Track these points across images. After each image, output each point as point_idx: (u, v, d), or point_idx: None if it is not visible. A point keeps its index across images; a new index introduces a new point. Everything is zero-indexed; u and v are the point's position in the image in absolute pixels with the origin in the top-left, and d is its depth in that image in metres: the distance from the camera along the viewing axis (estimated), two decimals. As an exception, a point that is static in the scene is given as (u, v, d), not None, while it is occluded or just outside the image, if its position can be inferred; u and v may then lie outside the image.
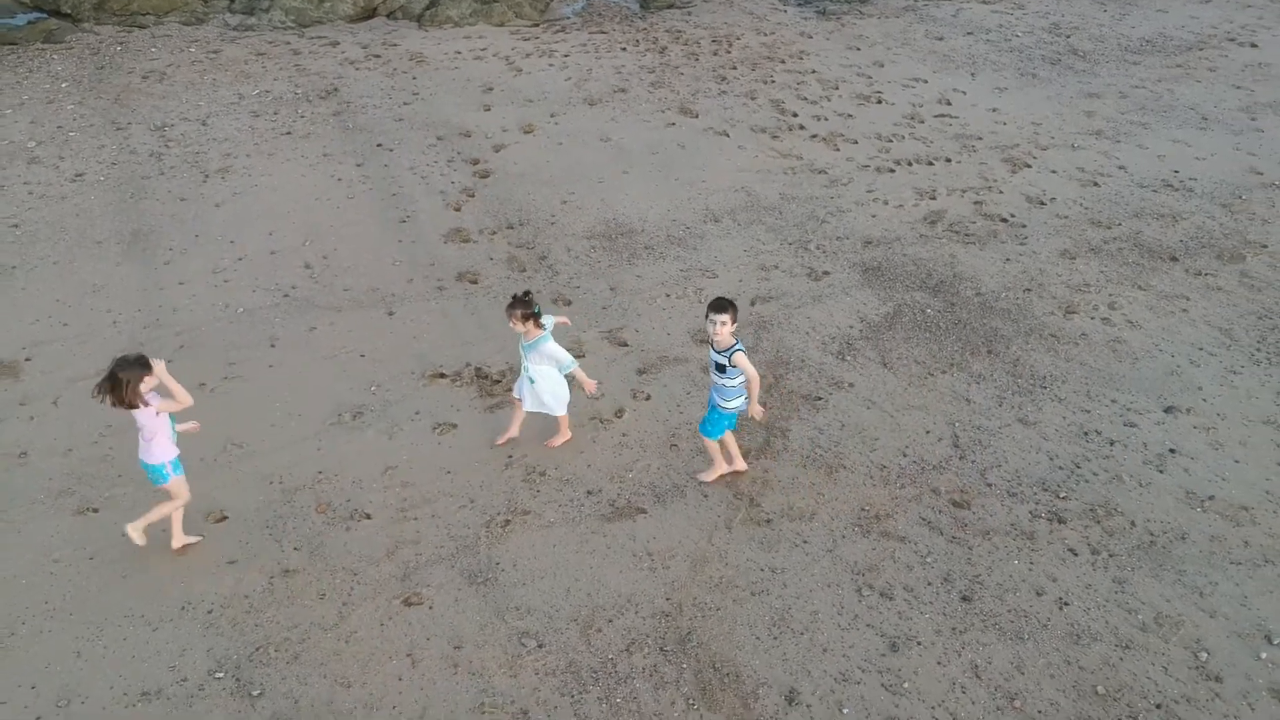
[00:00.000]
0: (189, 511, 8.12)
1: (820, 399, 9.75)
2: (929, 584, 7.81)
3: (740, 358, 7.95)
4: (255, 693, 6.87)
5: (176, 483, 7.71)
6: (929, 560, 8.02)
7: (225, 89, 15.92)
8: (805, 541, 8.16)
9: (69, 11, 17.59)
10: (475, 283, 11.43)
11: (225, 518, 8.29)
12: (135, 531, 7.80)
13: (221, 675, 6.99)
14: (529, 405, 8.88)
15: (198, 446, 8.96)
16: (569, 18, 19.74)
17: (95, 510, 8.37)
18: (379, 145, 14.32)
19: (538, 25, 19.33)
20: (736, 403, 8.31)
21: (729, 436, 8.66)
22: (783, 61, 17.83)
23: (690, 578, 7.81)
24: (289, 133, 14.61)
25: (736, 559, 7.98)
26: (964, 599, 7.68)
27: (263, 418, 9.38)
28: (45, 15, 17.48)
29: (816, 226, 12.70)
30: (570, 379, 8.81)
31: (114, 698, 6.85)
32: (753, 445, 9.14)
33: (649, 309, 11.02)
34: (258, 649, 7.18)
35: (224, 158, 13.90)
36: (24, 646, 7.20)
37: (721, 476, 8.77)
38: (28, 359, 10.13)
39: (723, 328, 7.86)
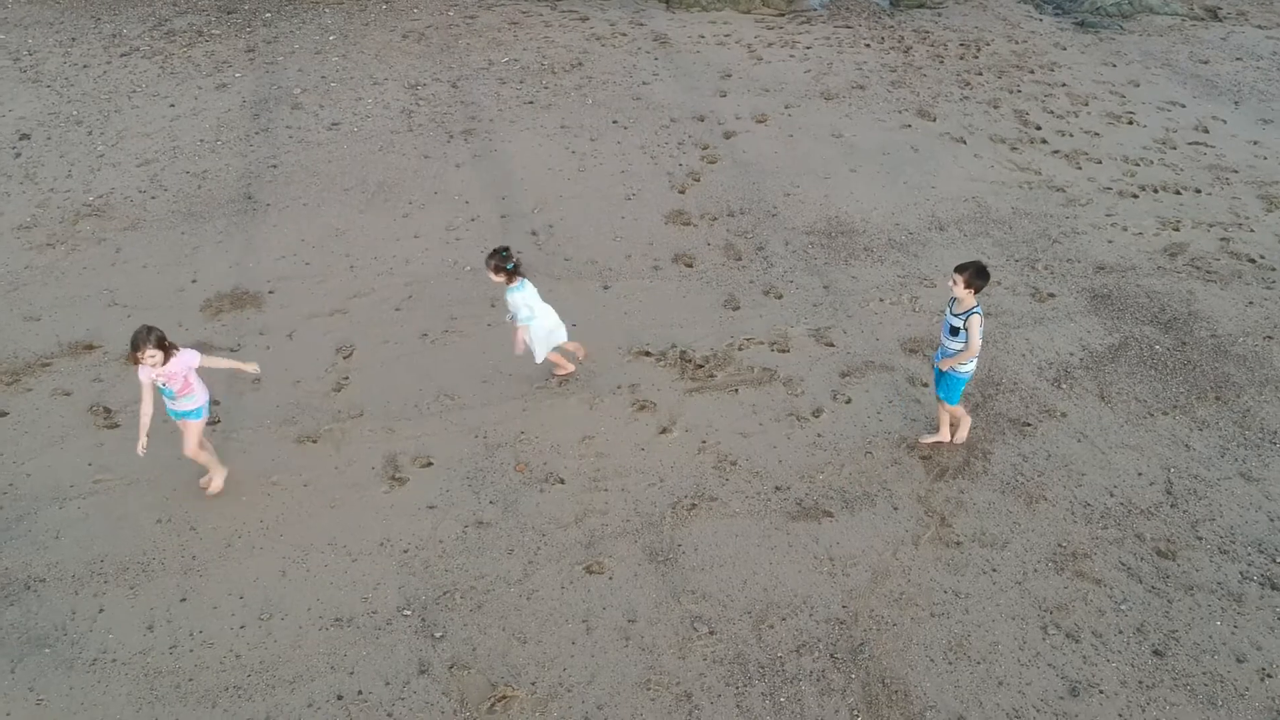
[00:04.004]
0: (400, 455, 8.61)
1: (1029, 425, 9.44)
2: (1120, 632, 7.48)
3: (974, 321, 8.34)
4: (438, 634, 7.24)
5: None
6: (1123, 608, 7.68)
7: (477, 54, 16.58)
8: (994, 570, 7.95)
9: (344, -31, 18.68)
10: (690, 266, 11.57)
11: (430, 464, 8.73)
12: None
13: (409, 613, 7.39)
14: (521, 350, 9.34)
15: (413, 393, 9.47)
16: (816, 9, 19.58)
17: (314, 441, 8.95)
18: (614, 122, 14.63)
19: (783, 15, 19.27)
20: (969, 366, 8.58)
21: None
22: (1032, 71, 17.19)
23: (870, 589, 7.74)
24: (531, 102, 15.10)
25: (920, 577, 7.85)
26: (1156, 653, 7.33)
27: (475, 373, 9.79)
28: (322, -29, 18.58)
29: (1047, 246, 12.24)
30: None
31: (310, 619, 7.35)
32: (950, 464, 8.94)
33: (861, 312, 10.89)
34: (445, 593, 7.55)
35: (468, 120, 14.49)
36: (238, 559, 7.82)
37: (938, 444, 9.14)
38: (270, 292, 10.89)
39: (954, 287, 8.33)
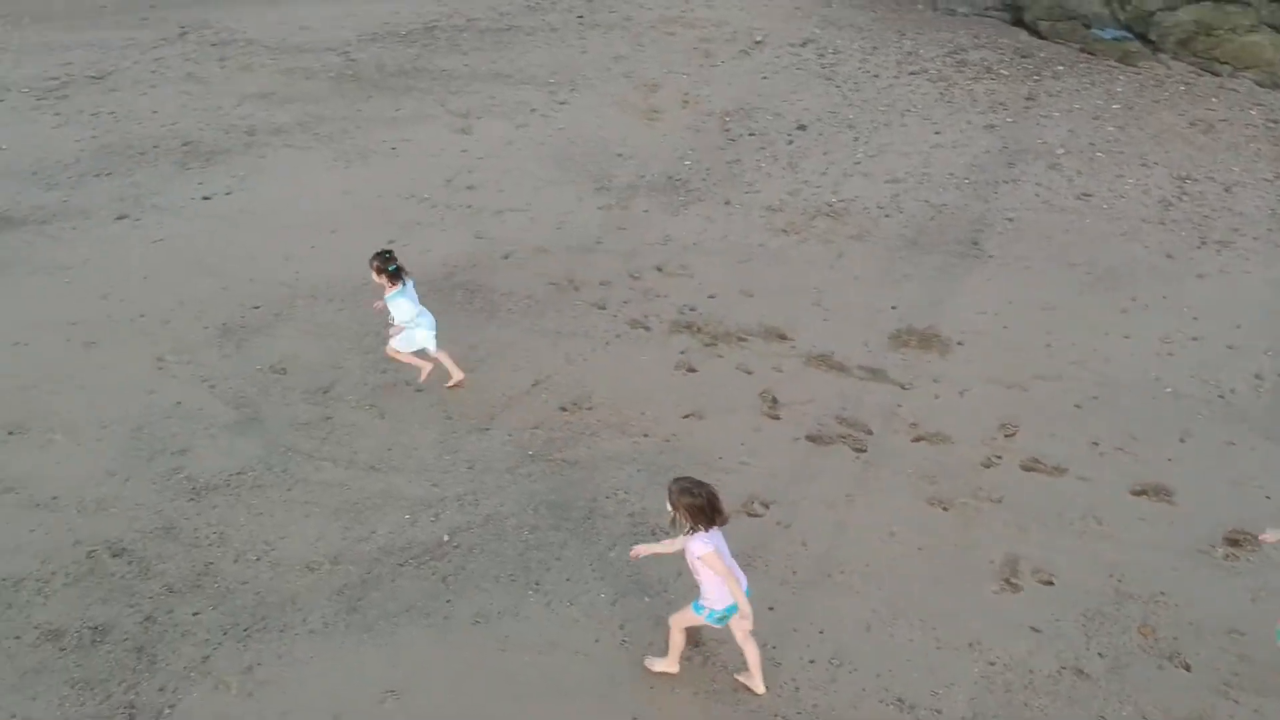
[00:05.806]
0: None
1: None
2: None
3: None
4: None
5: None
6: None
7: (1269, 163, 14.91)
8: None
9: (1154, 40, 17.70)
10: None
11: (1051, 583, 8.10)
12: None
13: (967, 733, 6.98)
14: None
15: (1056, 500, 8.88)
16: None
17: (945, 508, 8.77)
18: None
19: None
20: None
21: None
22: None
23: None
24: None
25: None
26: None
27: (1132, 506, 8.89)
28: (1131, 37, 17.80)
29: None
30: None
31: (875, 686, 7.16)
32: None
33: None
34: (1012, 729, 7.02)
35: (1229, 231, 13.10)
36: (832, 591, 7.93)
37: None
38: (960, 343, 10.82)
39: None
